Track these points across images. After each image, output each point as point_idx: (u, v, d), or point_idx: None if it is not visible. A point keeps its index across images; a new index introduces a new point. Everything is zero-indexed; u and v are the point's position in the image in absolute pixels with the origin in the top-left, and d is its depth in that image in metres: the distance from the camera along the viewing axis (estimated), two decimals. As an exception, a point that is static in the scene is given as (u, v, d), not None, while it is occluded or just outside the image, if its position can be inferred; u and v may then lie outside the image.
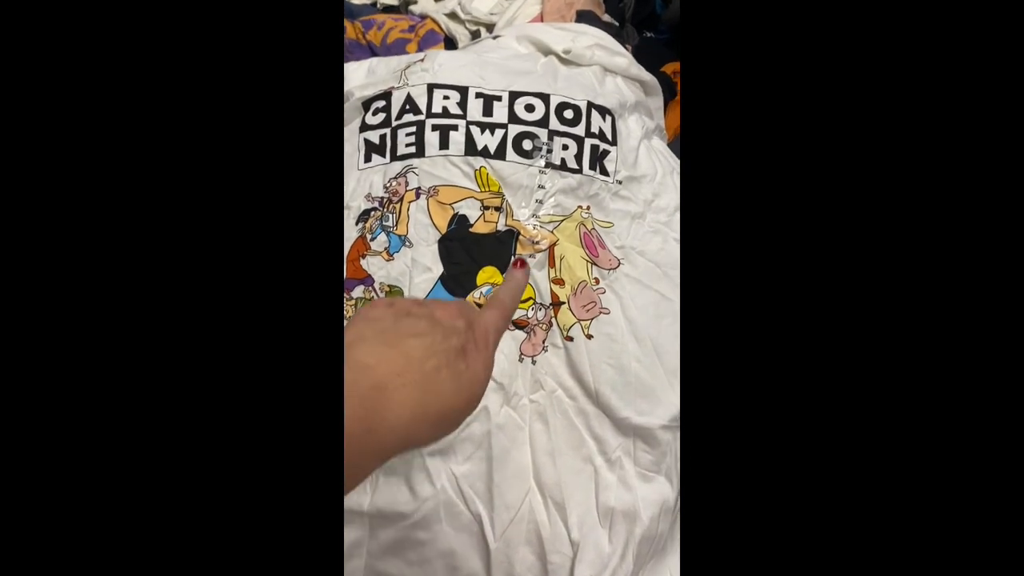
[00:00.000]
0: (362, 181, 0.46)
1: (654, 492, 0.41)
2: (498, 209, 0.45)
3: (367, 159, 0.47)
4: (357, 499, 0.38)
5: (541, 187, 0.46)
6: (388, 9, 0.77)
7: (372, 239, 0.44)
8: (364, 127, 0.48)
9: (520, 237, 0.44)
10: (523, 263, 0.42)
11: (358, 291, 0.43)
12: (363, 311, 0.29)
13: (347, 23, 0.69)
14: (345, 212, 0.45)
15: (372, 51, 0.64)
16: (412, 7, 0.75)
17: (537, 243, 0.44)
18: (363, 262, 0.43)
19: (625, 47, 0.59)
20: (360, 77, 0.54)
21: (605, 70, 0.52)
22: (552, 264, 0.44)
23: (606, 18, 0.69)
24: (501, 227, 0.44)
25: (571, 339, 0.43)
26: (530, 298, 0.43)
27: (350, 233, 0.45)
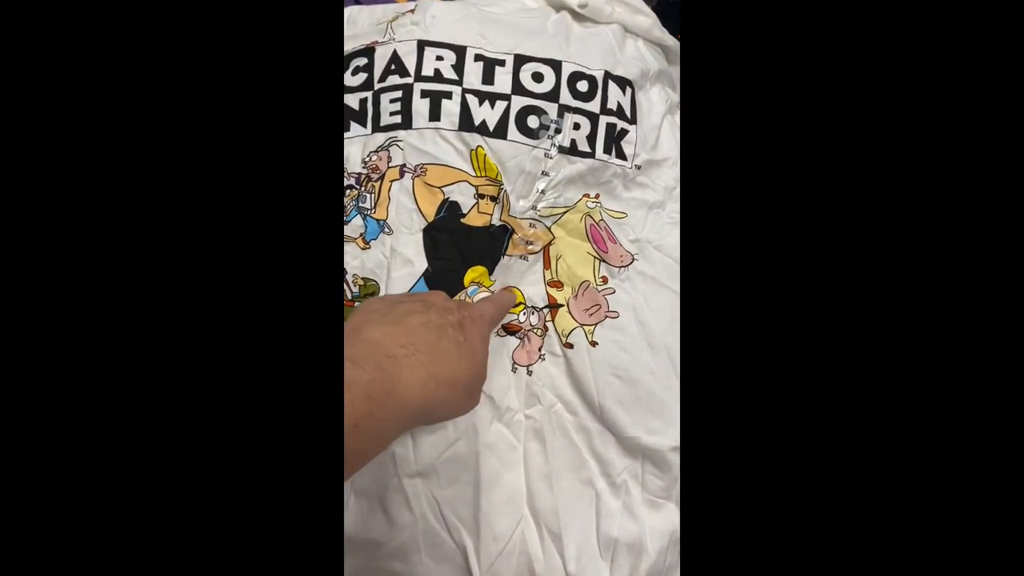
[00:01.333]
0: None
1: (663, 521, 0.36)
2: (494, 199, 0.38)
3: (345, 127, 0.40)
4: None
5: (545, 174, 0.39)
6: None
7: (346, 222, 0.38)
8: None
9: (513, 236, 0.38)
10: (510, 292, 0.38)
11: (329, 283, 0.37)
12: (360, 307, 0.30)
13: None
14: None
15: (357, -1, 0.56)
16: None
17: (530, 244, 0.38)
18: (336, 250, 0.37)
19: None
20: (339, 29, 0.46)
21: (625, 30, 0.45)
22: (547, 266, 0.38)
23: (626, -29, 0.61)
24: (496, 221, 0.38)
25: (571, 346, 0.37)
26: (520, 303, 0.38)
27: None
